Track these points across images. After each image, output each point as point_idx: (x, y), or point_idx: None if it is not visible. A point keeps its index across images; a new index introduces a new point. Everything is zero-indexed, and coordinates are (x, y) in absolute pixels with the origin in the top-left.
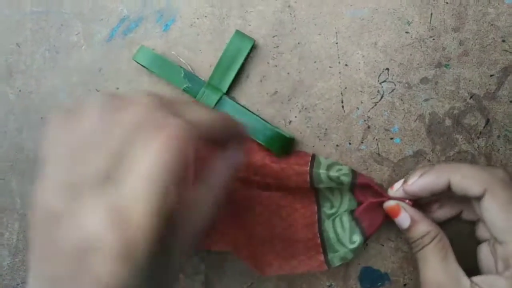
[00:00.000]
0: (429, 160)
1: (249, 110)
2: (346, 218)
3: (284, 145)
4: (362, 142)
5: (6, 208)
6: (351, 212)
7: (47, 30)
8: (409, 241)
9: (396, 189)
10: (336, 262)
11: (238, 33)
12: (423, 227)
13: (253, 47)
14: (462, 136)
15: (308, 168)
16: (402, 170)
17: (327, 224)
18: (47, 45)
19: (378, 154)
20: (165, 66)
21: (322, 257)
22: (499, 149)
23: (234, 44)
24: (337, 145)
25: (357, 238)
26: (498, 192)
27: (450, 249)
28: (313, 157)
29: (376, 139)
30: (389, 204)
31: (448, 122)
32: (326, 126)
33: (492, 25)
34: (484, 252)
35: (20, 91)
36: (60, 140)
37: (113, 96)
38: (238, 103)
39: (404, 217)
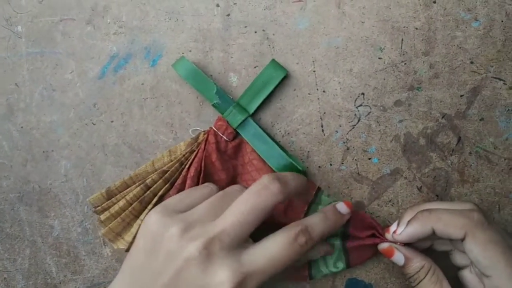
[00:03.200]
0: (405, 178)
1: (269, 136)
2: (337, 244)
3: None
4: (342, 163)
5: (17, 236)
6: (343, 243)
7: (43, 69)
8: (406, 277)
9: (391, 233)
10: (318, 277)
11: (274, 62)
12: (417, 262)
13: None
14: (436, 154)
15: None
16: (380, 188)
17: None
18: (44, 84)
19: (358, 173)
20: (200, 79)
21: (306, 273)
22: (471, 165)
23: (268, 71)
24: (319, 167)
25: (341, 265)
26: (477, 234)
27: (445, 280)
28: (318, 190)
29: (355, 160)
30: (383, 246)
31: (422, 141)
32: (308, 149)
33: (460, 47)
34: (469, 278)
35: (22, 127)
36: None
37: None
38: (260, 127)
39: (399, 256)
